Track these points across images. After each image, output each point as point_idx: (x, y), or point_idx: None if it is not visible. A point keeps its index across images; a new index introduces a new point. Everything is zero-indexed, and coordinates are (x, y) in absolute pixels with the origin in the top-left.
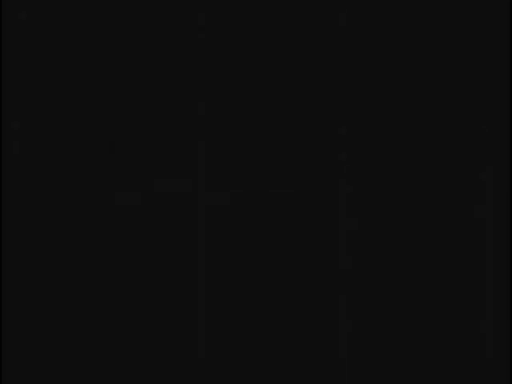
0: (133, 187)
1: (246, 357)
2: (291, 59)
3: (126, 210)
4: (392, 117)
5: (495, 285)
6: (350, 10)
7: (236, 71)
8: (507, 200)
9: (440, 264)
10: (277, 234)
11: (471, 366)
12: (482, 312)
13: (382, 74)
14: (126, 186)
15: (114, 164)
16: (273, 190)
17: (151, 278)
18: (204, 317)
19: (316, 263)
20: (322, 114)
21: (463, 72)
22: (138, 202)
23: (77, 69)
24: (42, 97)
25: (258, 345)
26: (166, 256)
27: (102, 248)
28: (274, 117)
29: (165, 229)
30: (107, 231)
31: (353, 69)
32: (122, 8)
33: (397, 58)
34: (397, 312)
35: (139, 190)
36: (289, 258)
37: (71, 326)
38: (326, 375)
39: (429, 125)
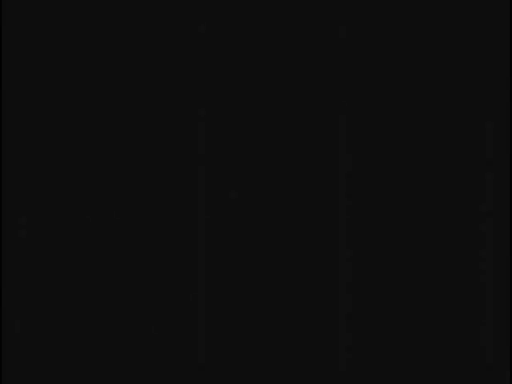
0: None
1: (246, 362)
2: (291, 69)
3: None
4: (393, 130)
5: (495, 288)
6: (350, 23)
7: (236, 81)
8: (507, 200)
9: (439, 270)
10: (277, 234)
11: (471, 371)
12: (482, 317)
13: (382, 85)
14: (126, 185)
15: (114, 164)
16: (273, 190)
17: (150, 280)
18: (204, 321)
19: (317, 268)
20: (321, 125)
21: (463, 78)
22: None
23: (76, 70)
24: (41, 96)
25: (258, 349)
26: (166, 257)
27: (101, 248)
28: (274, 121)
29: (165, 229)
30: (107, 231)
31: (353, 81)
32: (121, 8)
33: (397, 71)
34: (396, 315)
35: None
36: (289, 258)
37: (68, 330)
38: (327, 377)
39: (430, 130)
